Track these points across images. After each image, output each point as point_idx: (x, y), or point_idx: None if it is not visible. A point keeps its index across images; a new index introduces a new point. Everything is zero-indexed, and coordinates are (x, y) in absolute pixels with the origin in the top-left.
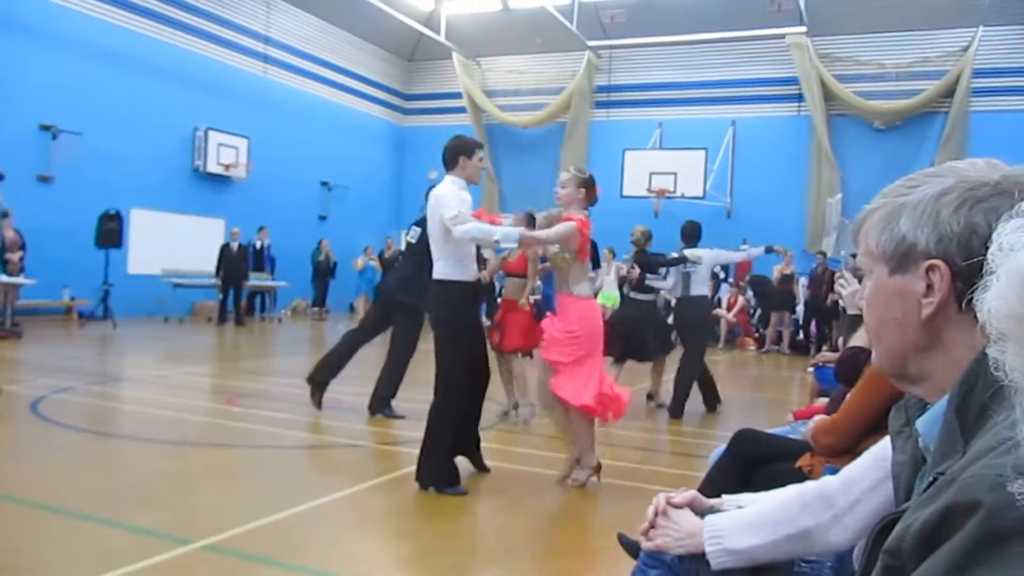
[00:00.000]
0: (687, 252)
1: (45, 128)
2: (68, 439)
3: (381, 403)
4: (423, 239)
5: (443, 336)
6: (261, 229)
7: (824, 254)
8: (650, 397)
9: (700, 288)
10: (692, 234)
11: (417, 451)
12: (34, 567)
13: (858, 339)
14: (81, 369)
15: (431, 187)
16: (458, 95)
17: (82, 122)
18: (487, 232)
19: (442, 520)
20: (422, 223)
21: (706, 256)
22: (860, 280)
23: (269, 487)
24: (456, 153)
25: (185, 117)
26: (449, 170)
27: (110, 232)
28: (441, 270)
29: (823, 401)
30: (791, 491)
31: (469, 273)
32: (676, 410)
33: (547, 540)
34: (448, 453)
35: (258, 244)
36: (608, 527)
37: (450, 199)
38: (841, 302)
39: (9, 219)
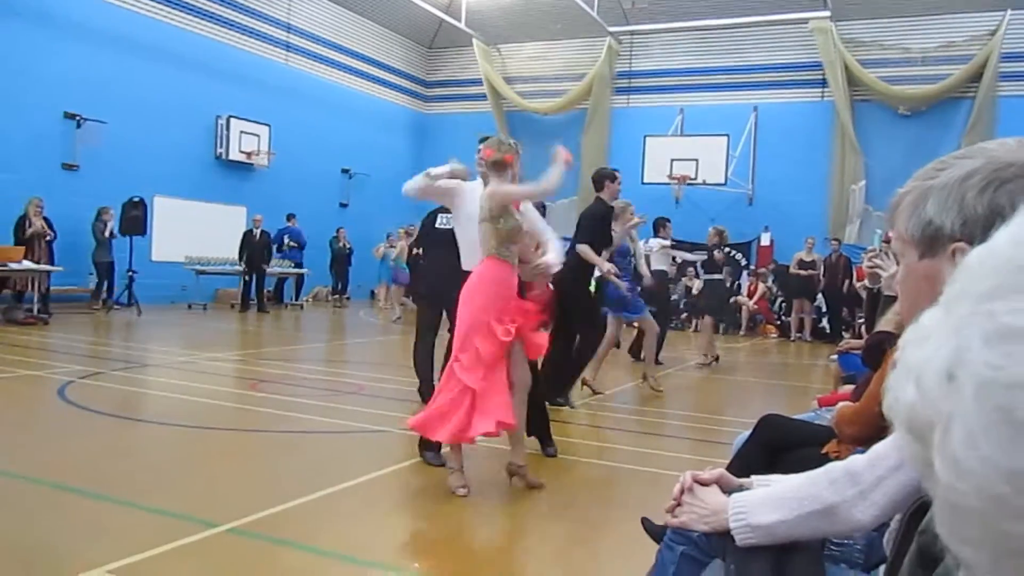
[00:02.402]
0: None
1: (70, 116)
2: (95, 423)
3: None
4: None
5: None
6: (290, 217)
7: (839, 241)
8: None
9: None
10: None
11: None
12: (62, 549)
13: (886, 323)
14: (107, 355)
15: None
16: (478, 82)
17: (106, 110)
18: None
19: (464, 504)
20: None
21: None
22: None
23: (293, 471)
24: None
25: (207, 105)
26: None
27: (134, 220)
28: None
29: (847, 388)
30: (819, 470)
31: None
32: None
33: (568, 525)
34: None
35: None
36: (629, 512)
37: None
38: (867, 283)
39: None
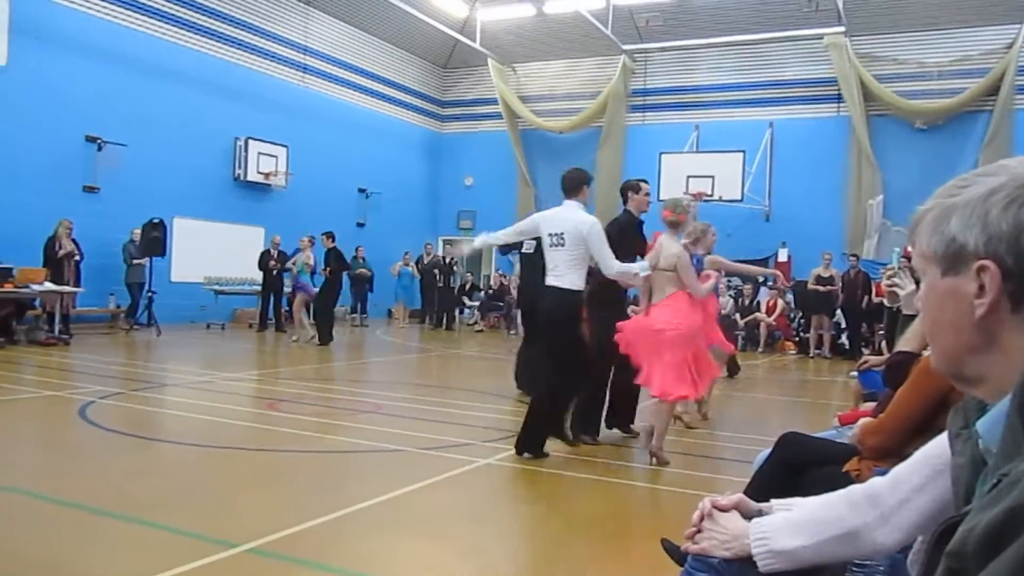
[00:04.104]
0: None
1: (91, 140)
2: (115, 443)
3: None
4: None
5: (563, 331)
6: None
7: (857, 256)
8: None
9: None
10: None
11: (456, 456)
12: (81, 569)
13: (906, 343)
14: (127, 375)
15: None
16: (494, 101)
17: (126, 133)
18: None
19: (481, 524)
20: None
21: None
22: (919, 281)
23: (311, 490)
24: (579, 183)
25: (226, 127)
26: (574, 197)
27: (154, 241)
28: (570, 281)
29: (869, 405)
30: (840, 492)
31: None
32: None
33: (586, 545)
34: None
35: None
36: (647, 532)
37: (602, 236)
38: (885, 302)
39: None
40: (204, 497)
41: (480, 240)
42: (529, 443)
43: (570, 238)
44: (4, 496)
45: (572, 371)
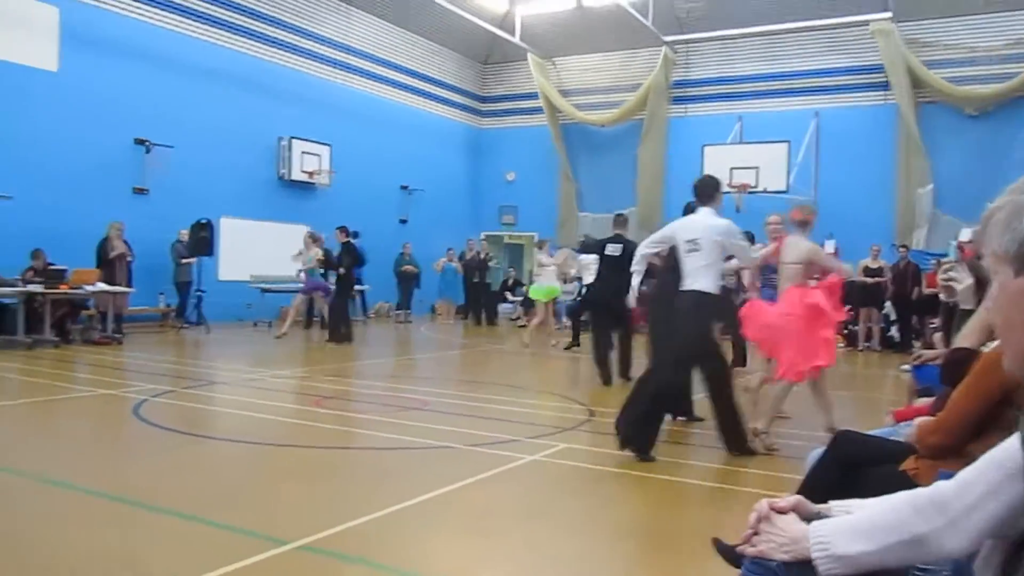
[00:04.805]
0: None
1: (139, 143)
2: (167, 441)
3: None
4: (626, 253)
5: (693, 331)
6: (356, 235)
7: (907, 247)
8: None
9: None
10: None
11: (503, 452)
12: (136, 566)
13: (964, 338)
14: (178, 373)
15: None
16: (534, 96)
17: (173, 136)
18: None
19: (531, 521)
20: (619, 240)
21: None
22: (977, 276)
23: (360, 487)
24: (713, 189)
25: (269, 127)
26: (707, 203)
27: (202, 240)
28: (706, 284)
29: (924, 401)
30: (902, 496)
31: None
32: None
33: (636, 541)
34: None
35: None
36: (696, 529)
37: (737, 232)
38: (943, 297)
39: None
40: (255, 494)
41: (636, 280)
42: (636, 436)
43: (705, 243)
44: (61, 493)
45: (681, 364)
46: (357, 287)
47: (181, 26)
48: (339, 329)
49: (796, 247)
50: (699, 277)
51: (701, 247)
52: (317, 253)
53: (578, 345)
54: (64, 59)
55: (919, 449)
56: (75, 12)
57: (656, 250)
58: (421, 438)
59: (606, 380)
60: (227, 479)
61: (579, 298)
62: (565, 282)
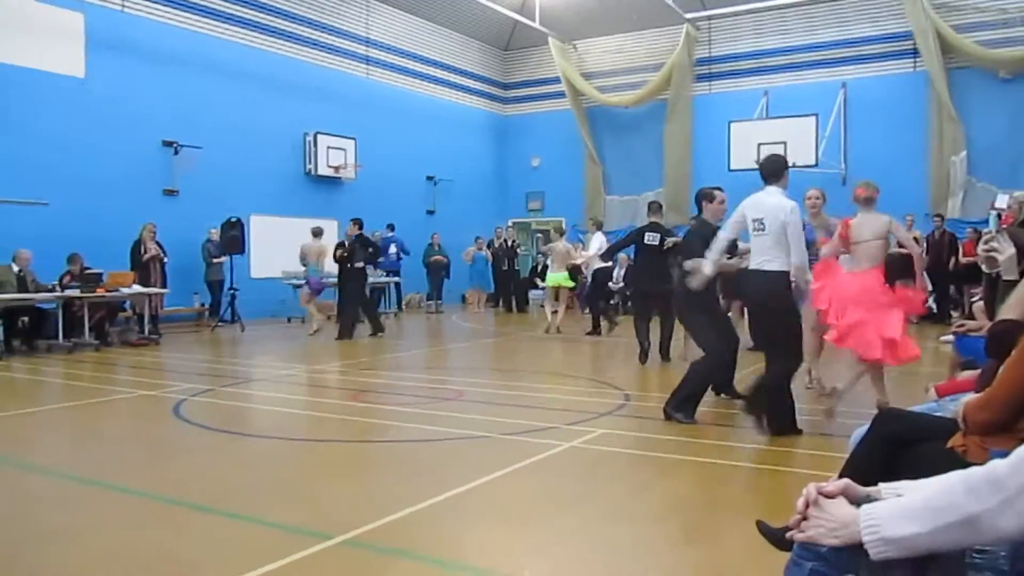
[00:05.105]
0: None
1: (168, 144)
2: (208, 440)
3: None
4: (663, 241)
5: (778, 314)
6: (391, 227)
7: (942, 217)
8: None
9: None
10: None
11: (541, 440)
12: (181, 564)
13: (1009, 309)
14: (215, 371)
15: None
16: (556, 80)
17: (201, 136)
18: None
19: (572, 508)
20: (656, 228)
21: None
22: (1019, 245)
23: (400, 480)
24: (780, 167)
25: (295, 123)
26: (774, 182)
27: (233, 239)
28: (775, 264)
29: (968, 374)
30: (955, 476)
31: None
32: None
33: (678, 525)
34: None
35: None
36: (740, 511)
37: (798, 222)
38: (985, 268)
39: None
40: (297, 490)
41: (710, 264)
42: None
43: (770, 223)
44: (105, 493)
45: (791, 347)
46: (392, 279)
47: (203, 27)
48: (347, 323)
49: (872, 223)
50: (770, 258)
51: (766, 227)
52: (320, 248)
53: (599, 332)
54: (91, 65)
55: (967, 426)
56: (100, 18)
57: (735, 235)
58: (459, 428)
59: (643, 359)
60: (269, 476)
61: (590, 283)
62: (572, 272)
